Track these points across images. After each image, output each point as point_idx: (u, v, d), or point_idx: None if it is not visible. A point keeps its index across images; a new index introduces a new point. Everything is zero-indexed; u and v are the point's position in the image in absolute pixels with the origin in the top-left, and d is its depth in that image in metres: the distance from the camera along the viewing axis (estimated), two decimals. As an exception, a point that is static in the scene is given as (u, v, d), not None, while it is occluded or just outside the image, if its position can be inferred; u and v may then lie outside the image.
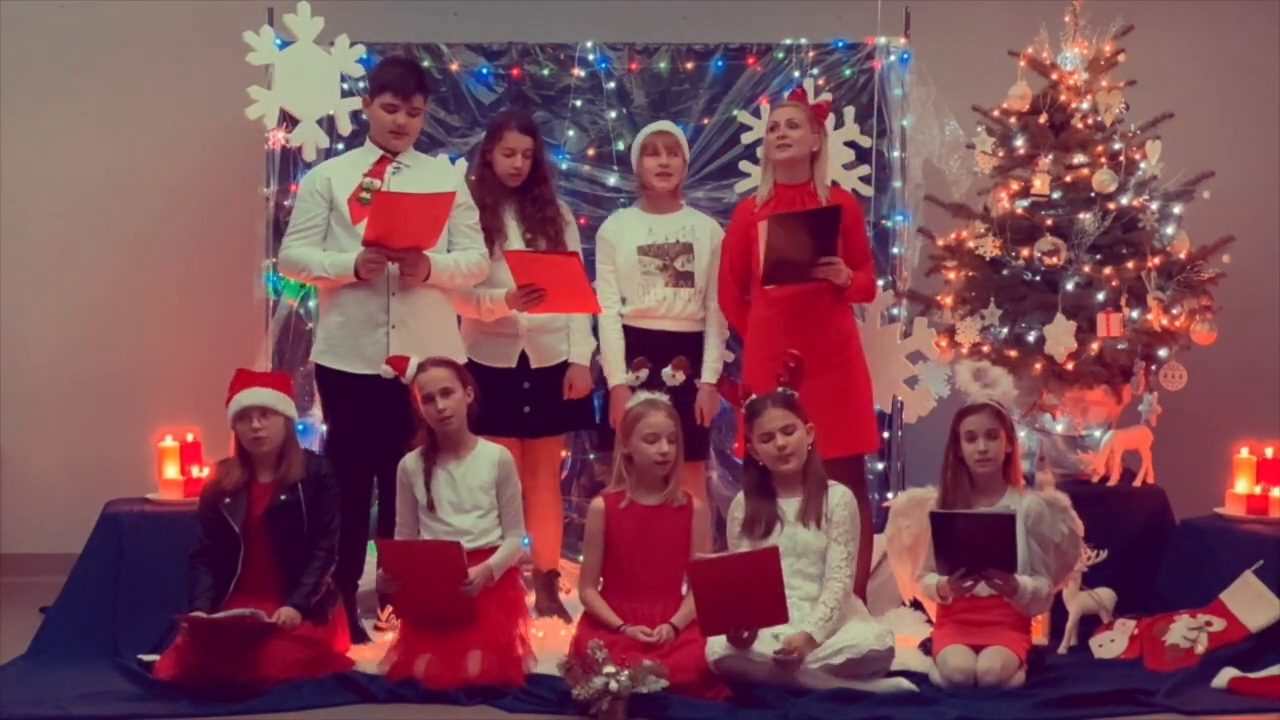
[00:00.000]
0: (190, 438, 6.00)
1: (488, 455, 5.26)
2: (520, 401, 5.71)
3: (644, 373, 5.63)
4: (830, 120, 6.04)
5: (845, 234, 5.56)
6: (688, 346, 5.80)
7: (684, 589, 5.11)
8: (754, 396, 5.21)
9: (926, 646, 5.18)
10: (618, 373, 5.75)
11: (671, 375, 5.57)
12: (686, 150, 5.93)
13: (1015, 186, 6.12)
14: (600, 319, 5.81)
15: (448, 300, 5.58)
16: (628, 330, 5.81)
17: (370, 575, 5.43)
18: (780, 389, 5.18)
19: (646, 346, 5.74)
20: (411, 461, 5.25)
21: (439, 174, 5.66)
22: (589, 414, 5.91)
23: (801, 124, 5.60)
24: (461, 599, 4.96)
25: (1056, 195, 6.05)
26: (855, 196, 6.04)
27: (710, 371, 5.78)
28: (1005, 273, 6.08)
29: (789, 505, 5.13)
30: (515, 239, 5.70)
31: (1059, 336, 5.85)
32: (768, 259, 5.49)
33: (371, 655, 5.15)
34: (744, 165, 6.28)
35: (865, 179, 6.27)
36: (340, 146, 6.13)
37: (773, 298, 5.60)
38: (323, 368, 5.49)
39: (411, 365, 5.19)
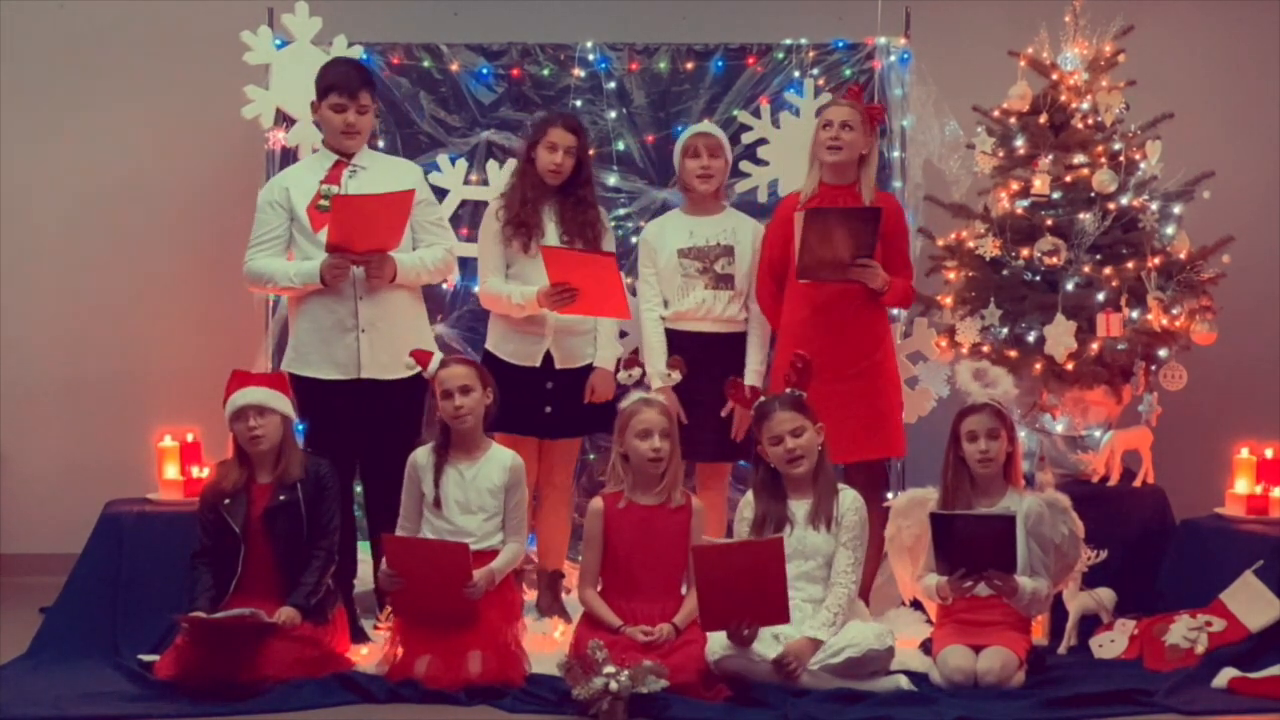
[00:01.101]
0: (190, 438, 6.00)
1: (500, 459, 5.26)
2: (542, 401, 5.70)
3: (637, 371, 5.60)
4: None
5: (885, 238, 5.56)
6: (727, 349, 5.74)
7: (684, 589, 5.11)
8: (762, 398, 5.21)
9: (926, 646, 5.18)
10: (658, 373, 5.66)
11: (667, 375, 5.55)
12: (729, 152, 5.88)
13: (1015, 186, 6.11)
14: (643, 319, 5.78)
15: (418, 299, 5.59)
16: (668, 333, 5.76)
17: (369, 576, 5.43)
18: (789, 390, 5.17)
19: (686, 348, 5.68)
20: (423, 456, 5.25)
21: (397, 173, 5.60)
22: (609, 418, 5.88)
23: (856, 126, 5.58)
24: (463, 600, 4.95)
25: (1056, 195, 6.05)
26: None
27: (753, 375, 5.70)
28: (1005, 273, 6.08)
29: (799, 507, 5.12)
30: (552, 238, 5.68)
31: (1059, 336, 5.85)
32: (803, 253, 5.46)
33: (371, 655, 5.15)
34: (744, 165, 6.28)
35: (865, 178, 6.27)
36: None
37: (807, 298, 5.58)
38: (295, 375, 5.47)
39: (434, 360, 5.20)
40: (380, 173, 5.53)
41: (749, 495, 5.22)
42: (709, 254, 5.77)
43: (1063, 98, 6.09)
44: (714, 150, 5.79)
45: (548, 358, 5.72)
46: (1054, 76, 6.12)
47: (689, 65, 6.40)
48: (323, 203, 5.40)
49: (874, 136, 5.67)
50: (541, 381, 5.70)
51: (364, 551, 5.64)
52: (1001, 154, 6.15)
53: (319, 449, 5.41)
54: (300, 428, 5.53)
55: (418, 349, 5.25)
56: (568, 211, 5.71)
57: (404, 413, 5.46)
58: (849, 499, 5.12)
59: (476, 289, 5.98)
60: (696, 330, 5.75)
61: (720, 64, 6.40)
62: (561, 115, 5.86)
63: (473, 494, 5.20)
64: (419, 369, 5.24)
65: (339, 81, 5.44)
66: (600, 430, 6.02)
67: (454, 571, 4.94)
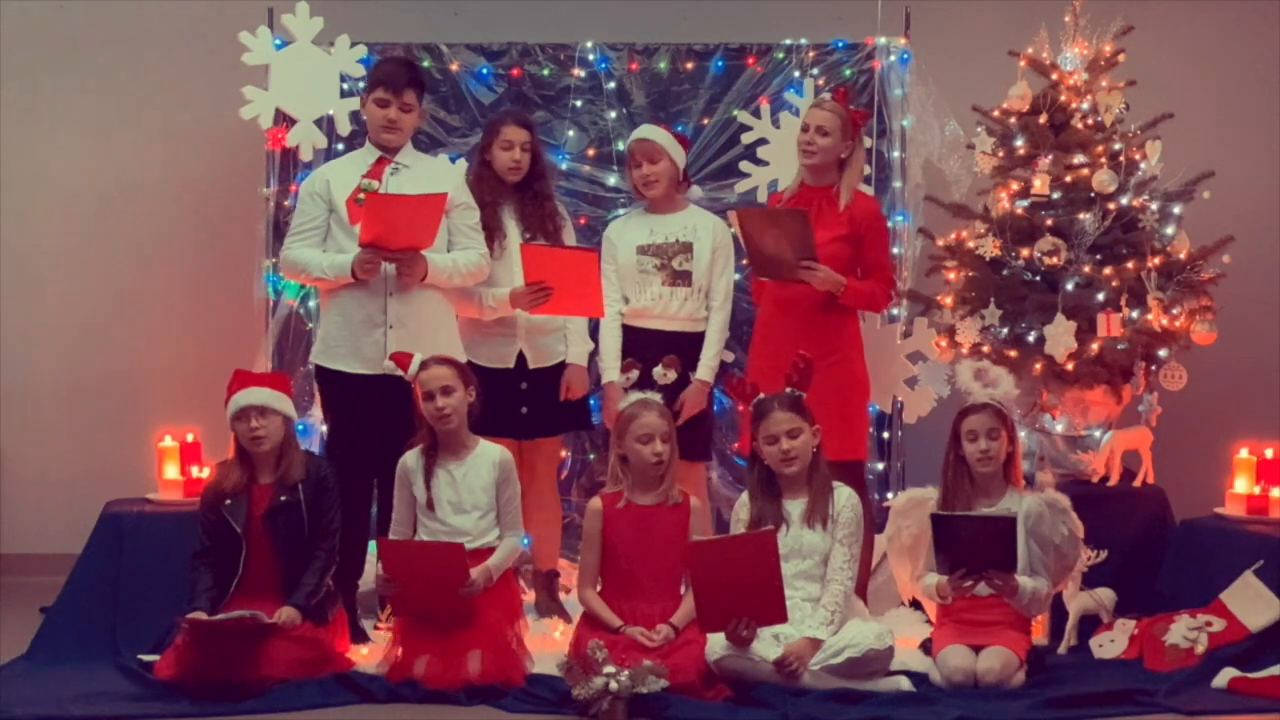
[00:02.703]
0: (190, 438, 6.00)
1: (488, 455, 5.25)
2: (518, 402, 5.70)
3: (635, 374, 5.60)
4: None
5: (859, 240, 5.55)
6: (685, 346, 5.73)
7: (683, 588, 5.11)
8: (761, 396, 5.20)
9: (926, 646, 5.18)
10: (611, 370, 5.72)
11: (663, 374, 5.55)
12: (675, 150, 5.77)
13: (1015, 186, 6.12)
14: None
15: (446, 300, 5.58)
16: (627, 329, 5.77)
17: (370, 575, 5.43)
18: (788, 390, 5.16)
19: (644, 345, 5.70)
20: (412, 459, 5.25)
21: (438, 174, 5.64)
22: (585, 415, 5.91)
23: (832, 131, 5.56)
24: (461, 600, 4.95)
25: (1056, 195, 6.05)
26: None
27: (704, 369, 5.69)
28: (1005, 273, 6.08)
29: (794, 506, 5.12)
30: (514, 237, 5.69)
31: (1059, 336, 5.85)
32: (750, 253, 5.54)
33: (371, 655, 5.15)
34: (744, 165, 6.28)
35: (865, 179, 6.26)
36: (340, 147, 6.13)
37: (772, 295, 5.62)
38: (322, 368, 5.50)
39: (414, 362, 5.20)
40: (422, 172, 5.55)
41: (744, 496, 5.22)
42: (667, 250, 5.75)
43: (1063, 98, 6.09)
44: (652, 156, 5.74)
45: (520, 358, 5.72)
46: (1054, 76, 6.12)
47: (689, 65, 6.40)
48: (361, 196, 5.42)
49: (856, 141, 5.64)
50: (516, 383, 5.71)
51: (371, 550, 5.63)
52: (1001, 154, 6.15)
53: (341, 442, 5.44)
54: (301, 428, 5.53)
55: (397, 352, 5.25)
56: (527, 209, 5.73)
57: None
58: (844, 496, 5.12)
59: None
60: (655, 328, 5.74)
61: (720, 64, 6.40)
62: (511, 112, 5.89)
63: (465, 493, 5.20)
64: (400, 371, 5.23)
65: (385, 78, 5.48)
66: (578, 428, 6.04)
67: (450, 572, 4.94)
